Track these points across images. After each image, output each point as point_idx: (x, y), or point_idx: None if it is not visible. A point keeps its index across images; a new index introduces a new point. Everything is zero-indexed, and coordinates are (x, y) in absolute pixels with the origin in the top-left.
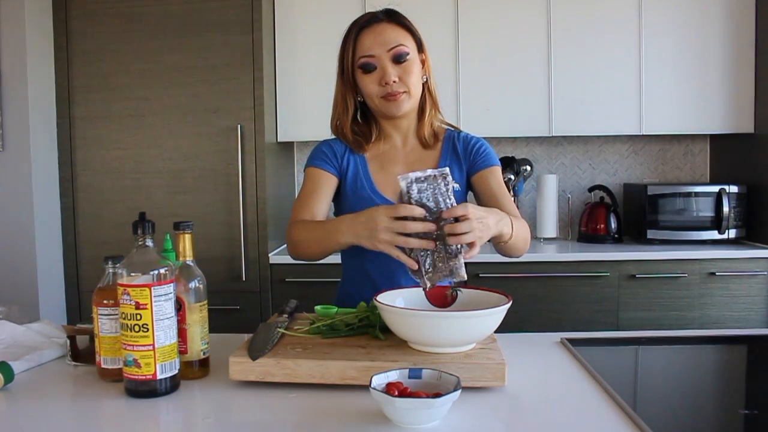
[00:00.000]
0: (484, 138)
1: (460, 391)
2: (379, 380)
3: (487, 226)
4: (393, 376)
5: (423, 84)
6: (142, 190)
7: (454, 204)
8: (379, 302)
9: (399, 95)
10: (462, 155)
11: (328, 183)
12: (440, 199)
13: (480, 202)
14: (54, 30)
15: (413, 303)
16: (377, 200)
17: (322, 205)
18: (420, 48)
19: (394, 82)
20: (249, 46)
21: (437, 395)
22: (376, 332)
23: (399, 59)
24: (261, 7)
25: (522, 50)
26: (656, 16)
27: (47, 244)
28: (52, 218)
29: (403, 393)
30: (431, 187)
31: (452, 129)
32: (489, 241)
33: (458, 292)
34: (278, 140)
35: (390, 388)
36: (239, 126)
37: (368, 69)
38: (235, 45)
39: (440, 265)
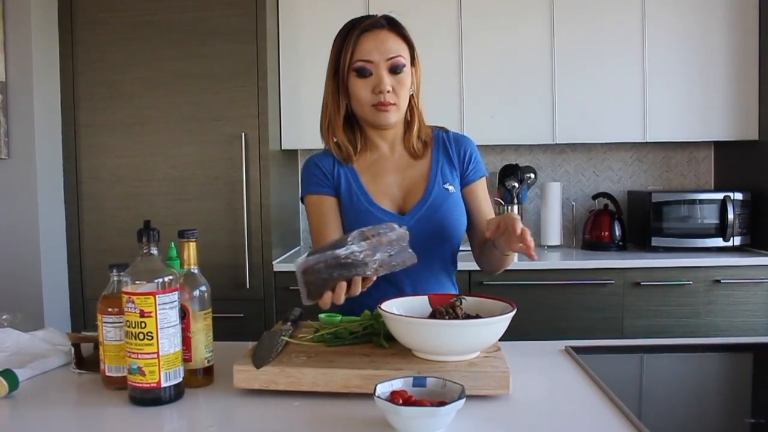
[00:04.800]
0: (488, 146)
1: (464, 399)
2: (383, 389)
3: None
4: (397, 384)
5: (410, 96)
6: (147, 198)
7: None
8: (383, 310)
9: (389, 106)
10: (455, 158)
11: (332, 208)
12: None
13: (468, 215)
14: (60, 38)
15: (416, 311)
16: (375, 212)
17: (336, 235)
18: (413, 61)
19: (388, 92)
20: (253, 54)
21: (442, 403)
22: (381, 340)
23: (396, 70)
24: (265, 16)
25: (526, 58)
26: (660, 23)
27: (52, 252)
28: (57, 226)
29: (408, 401)
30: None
31: (438, 129)
32: (494, 247)
33: (462, 299)
34: (282, 148)
35: (394, 397)
36: (243, 134)
37: (364, 74)
38: (239, 53)
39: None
